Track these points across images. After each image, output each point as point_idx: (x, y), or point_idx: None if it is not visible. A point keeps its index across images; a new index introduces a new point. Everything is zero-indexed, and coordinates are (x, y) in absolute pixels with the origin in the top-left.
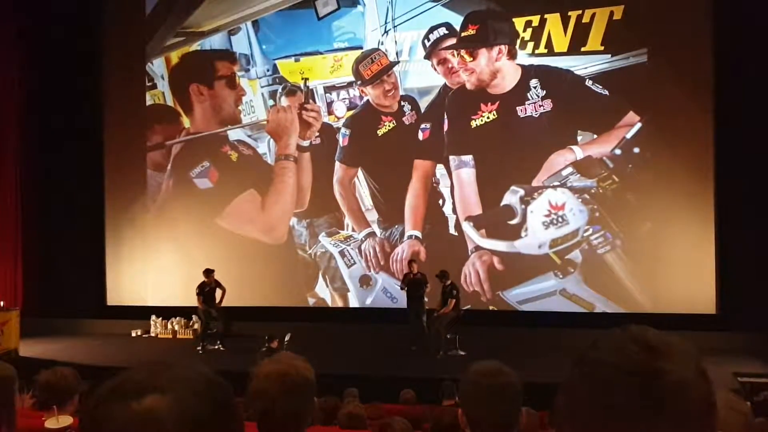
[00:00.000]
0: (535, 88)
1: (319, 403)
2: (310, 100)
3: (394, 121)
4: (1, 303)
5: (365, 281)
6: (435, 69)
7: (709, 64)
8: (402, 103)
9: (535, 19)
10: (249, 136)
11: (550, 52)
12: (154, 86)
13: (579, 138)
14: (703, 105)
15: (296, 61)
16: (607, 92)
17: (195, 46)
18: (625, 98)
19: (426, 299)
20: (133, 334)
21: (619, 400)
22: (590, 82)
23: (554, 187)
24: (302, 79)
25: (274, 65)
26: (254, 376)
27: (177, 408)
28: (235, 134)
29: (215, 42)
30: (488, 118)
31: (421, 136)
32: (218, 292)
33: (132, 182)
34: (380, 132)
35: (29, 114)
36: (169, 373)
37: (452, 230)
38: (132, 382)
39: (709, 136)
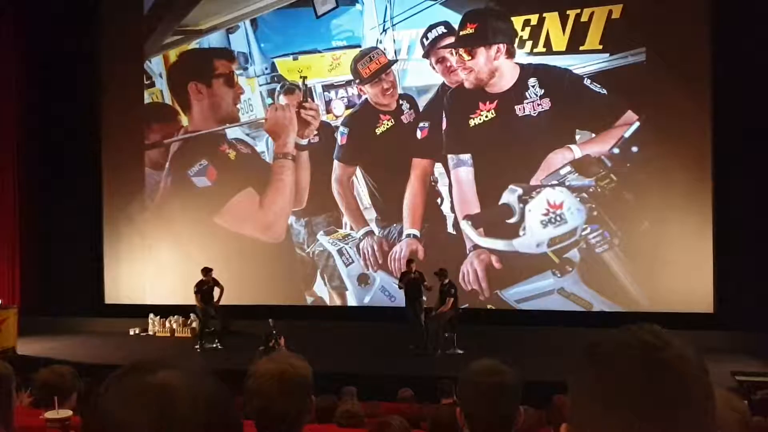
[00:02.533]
0: (533, 87)
1: (316, 402)
2: (309, 99)
3: (392, 120)
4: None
5: (363, 280)
6: (433, 68)
7: (707, 64)
8: (400, 102)
9: (534, 18)
10: (247, 135)
11: (549, 50)
12: (152, 84)
13: (577, 137)
14: (701, 104)
15: (294, 59)
16: (605, 91)
17: (193, 45)
18: (624, 97)
19: (425, 298)
20: (131, 333)
21: (628, 381)
22: (588, 81)
23: (552, 186)
24: (300, 77)
25: (273, 64)
26: (251, 375)
27: (190, 382)
28: (233, 133)
29: (213, 40)
30: (486, 117)
31: (419, 134)
32: (216, 291)
33: (130, 180)
34: (379, 131)
35: (27, 112)
36: (176, 360)
37: (450, 229)
38: (145, 362)
39: (707, 135)
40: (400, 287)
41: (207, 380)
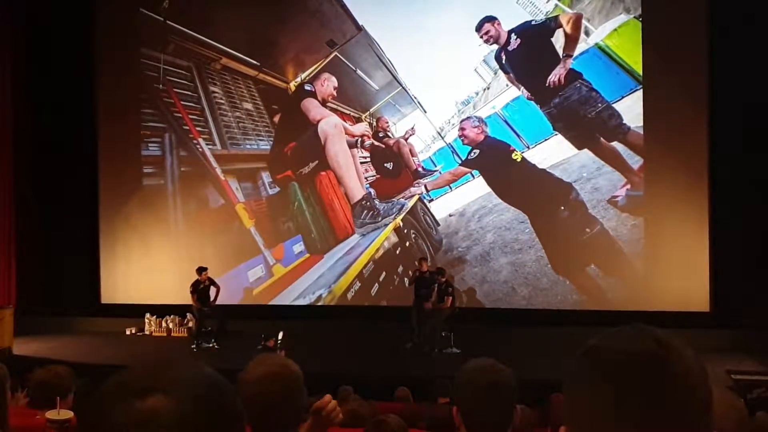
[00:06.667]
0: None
1: (312, 402)
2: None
3: None
4: None
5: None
6: None
7: (704, 64)
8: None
9: None
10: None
11: None
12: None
13: None
14: (698, 104)
15: None
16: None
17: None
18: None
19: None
20: (128, 333)
21: (626, 383)
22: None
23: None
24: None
25: None
26: (244, 382)
27: (179, 409)
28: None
29: None
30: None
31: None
32: (212, 290)
33: (127, 180)
34: None
35: (24, 111)
36: (172, 373)
37: None
38: (135, 381)
39: (703, 134)
40: (409, 284)
41: (202, 404)
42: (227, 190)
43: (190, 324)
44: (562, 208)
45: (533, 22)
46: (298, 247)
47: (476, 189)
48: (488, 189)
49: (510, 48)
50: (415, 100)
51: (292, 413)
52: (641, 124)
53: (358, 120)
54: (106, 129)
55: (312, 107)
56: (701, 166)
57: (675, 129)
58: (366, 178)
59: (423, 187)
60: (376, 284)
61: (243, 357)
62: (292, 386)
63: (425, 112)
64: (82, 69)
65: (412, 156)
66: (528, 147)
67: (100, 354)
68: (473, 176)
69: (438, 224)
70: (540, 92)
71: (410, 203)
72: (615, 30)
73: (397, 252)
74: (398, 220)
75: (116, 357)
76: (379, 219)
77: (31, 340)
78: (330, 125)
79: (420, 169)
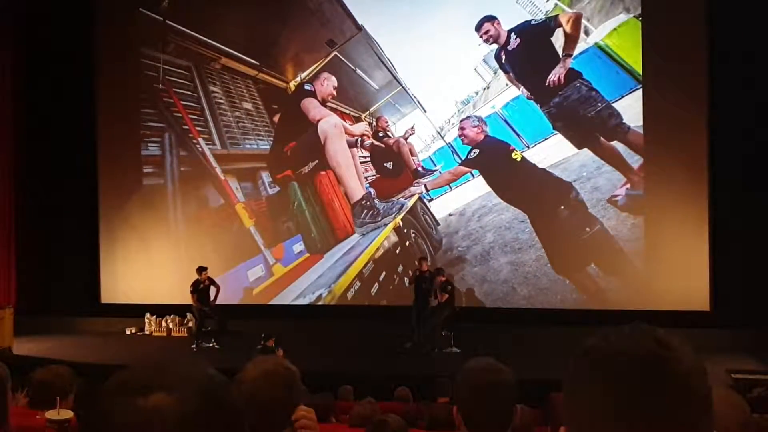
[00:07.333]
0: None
1: (313, 401)
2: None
3: None
4: None
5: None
6: None
7: (703, 65)
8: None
9: None
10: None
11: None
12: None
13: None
14: (698, 104)
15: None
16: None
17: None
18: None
19: (432, 298)
20: (128, 332)
21: (626, 384)
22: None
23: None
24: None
25: None
26: (241, 382)
27: (181, 407)
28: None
29: None
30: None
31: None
32: (212, 290)
33: (127, 180)
34: None
35: (23, 111)
36: (173, 372)
37: None
38: (137, 380)
39: (703, 134)
40: (409, 284)
41: (204, 402)
42: (227, 190)
43: (190, 324)
44: (562, 207)
45: (533, 22)
46: (298, 246)
47: (476, 188)
48: (488, 188)
49: (510, 47)
50: (414, 99)
51: (288, 412)
52: (641, 123)
53: (358, 120)
54: (106, 129)
55: (312, 107)
56: (701, 165)
57: (675, 129)
58: (366, 177)
59: (423, 187)
60: (376, 284)
61: (243, 357)
62: (288, 385)
63: (425, 111)
64: (82, 69)
65: (412, 155)
66: (528, 146)
67: (100, 354)
68: (473, 176)
69: (438, 224)
70: (540, 92)
71: (410, 203)
72: (615, 29)
73: (397, 251)
74: (398, 219)
75: (116, 357)
76: (379, 218)
77: (31, 340)
78: (330, 125)
79: (420, 168)
